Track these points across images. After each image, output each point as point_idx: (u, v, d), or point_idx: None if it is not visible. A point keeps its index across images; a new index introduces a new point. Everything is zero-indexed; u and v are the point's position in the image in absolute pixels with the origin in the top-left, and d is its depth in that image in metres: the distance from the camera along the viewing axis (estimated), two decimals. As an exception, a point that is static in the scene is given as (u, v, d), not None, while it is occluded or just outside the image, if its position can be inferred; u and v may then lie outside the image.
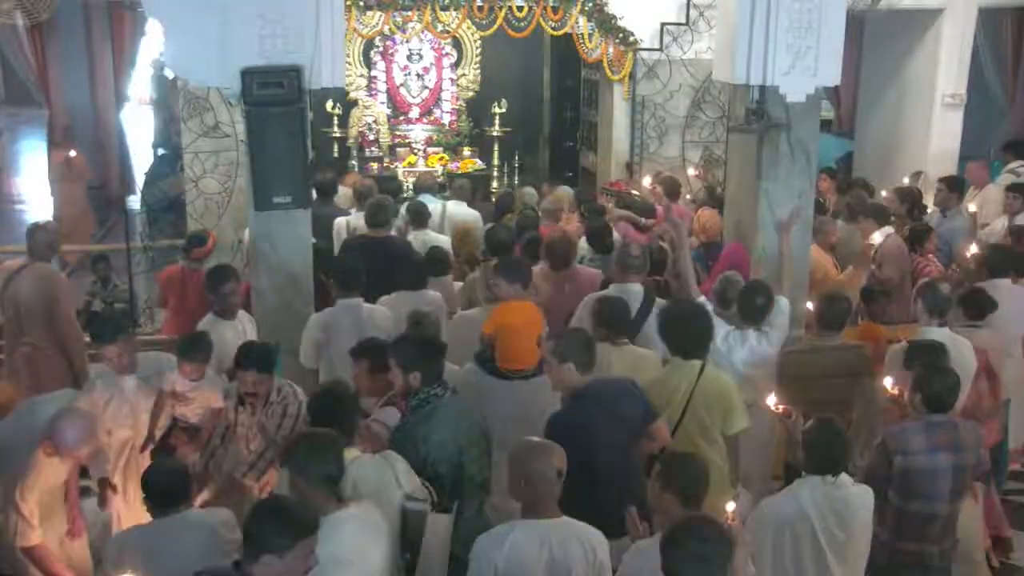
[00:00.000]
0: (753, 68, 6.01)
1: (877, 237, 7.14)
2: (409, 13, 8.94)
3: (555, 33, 9.50)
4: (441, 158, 11.41)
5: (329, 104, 10.83)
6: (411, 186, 10.09)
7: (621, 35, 9.23)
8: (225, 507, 3.97)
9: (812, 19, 5.96)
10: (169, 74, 9.34)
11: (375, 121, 11.71)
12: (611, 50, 9.36)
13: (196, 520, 3.70)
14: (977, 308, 5.58)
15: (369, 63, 11.83)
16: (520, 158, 11.70)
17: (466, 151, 11.75)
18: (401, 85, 11.99)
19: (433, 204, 7.69)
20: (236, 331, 5.46)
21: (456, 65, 12.02)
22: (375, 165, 11.17)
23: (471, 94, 12.10)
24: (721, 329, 5.07)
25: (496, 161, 11.50)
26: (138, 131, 12.14)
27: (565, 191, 8.62)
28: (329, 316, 5.41)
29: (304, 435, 3.65)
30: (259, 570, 2.88)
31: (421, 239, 6.92)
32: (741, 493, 4.46)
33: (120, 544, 3.75)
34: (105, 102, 10.94)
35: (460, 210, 7.83)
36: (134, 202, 10.56)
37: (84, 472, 4.66)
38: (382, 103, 11.92)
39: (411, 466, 3.90)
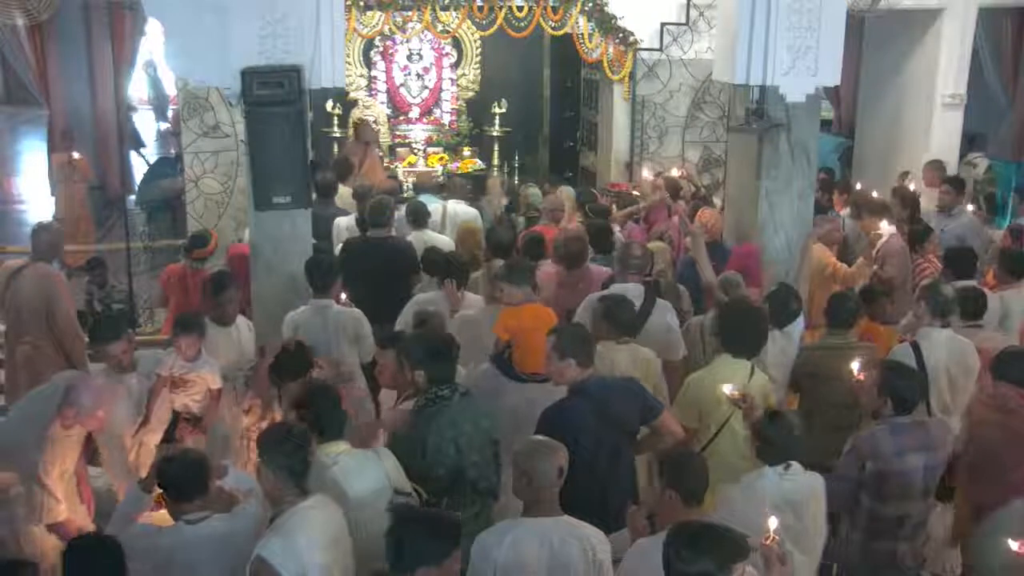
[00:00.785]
0: (753, 68, 6.02)
1: (885, 226, 7.15)
2: (409, 13, 8.95)
3: (555, 33, 9.51)
4: (441, 158, 11.41)
5: (329, 104, 10.82)
6: (411, 186, 10.09)
7: (621, 35, 9.24)
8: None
9: (812, 19, 5.96)
10: (164, 74, 9.40)
11: (375, 121, 11.71)
12: (611, 50, 9.36)
13: (207, 534, 3.54)
14: (975, 308, 5.58)
15: (369, 63, 11.83)
16: (520, 158, 11.70)
17: (466, 151, 11.75)
18: (401, 85, 11.99)
19: (433, 204, 7.69)
20: (231, 338, 5.43)
21: (456, 65, 12.02)
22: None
23: (471, 94, 12.10)
24: None
25: (496, 161, 11.49)
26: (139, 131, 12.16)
27: (567, 191, 8.62)
28: (300, 316, 5.39)
29: (278, 426, 3.72)
30: None
31: (421, 239, 6.91)
32: None
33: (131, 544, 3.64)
34: (105, 102, 10.93)
35: (460, 208, 7.83)
36: (133, 202, 10.58)
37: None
38: (382, 103, 11.92)
39: (409, 465, 3.90)
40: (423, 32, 10.04)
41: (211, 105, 8.61)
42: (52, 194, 10.41)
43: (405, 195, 9.54)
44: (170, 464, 3.62)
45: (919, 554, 4.38)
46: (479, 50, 11.86)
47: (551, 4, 9.04)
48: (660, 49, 9.33)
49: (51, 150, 10.59)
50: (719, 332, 4.76)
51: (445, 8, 9.00)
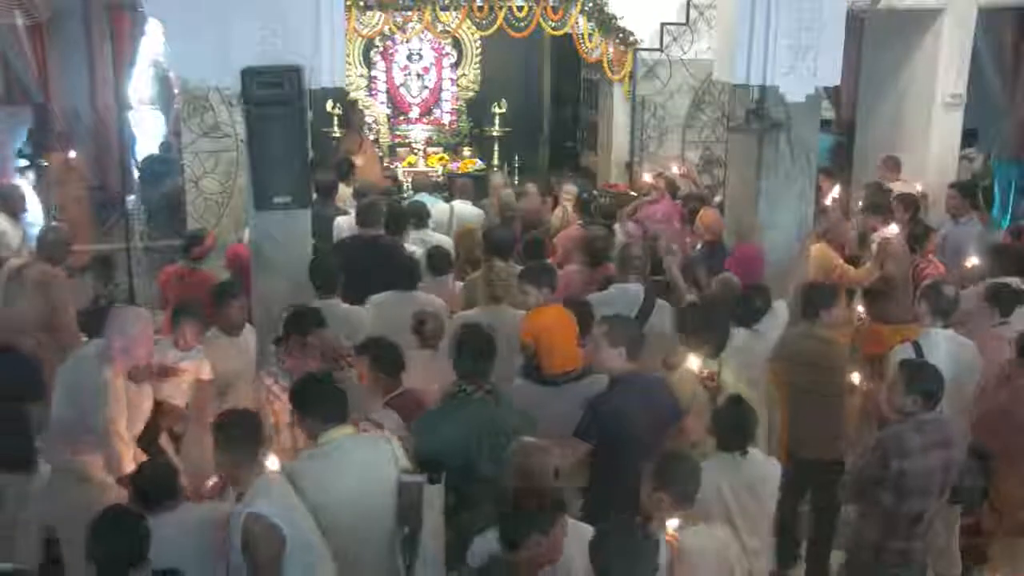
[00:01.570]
0: (753, 68, 6.01)
1: (895, 229, 7.17)
2: (409, 13, 8.95)
3: (555, 33, 9.51)
4: (441, 158, 11.41)
5: (329, 104, 10.82)
6: (409, 186, 10.09)
7: (621, 35, 9.24)
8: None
9: (812, 19, 5.96)
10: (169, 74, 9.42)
11: (375, 121, 11.71)
12: (611, 50, 9.36)
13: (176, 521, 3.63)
14: (1004, 305, 5.59)
15: (369, 63, 11.83)
16: (520, 158, 11.69)
17: (466, 151, 11.75)
18: (401, 85, 11.98)
19: (438, 204, 7.70)
20: (238, 348, 5.36)
21: (456, 65, 12.02)
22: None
23: (471, 94, 12.10)
24: None
25: (496, 161, 11.49)
26: (140, 131, 12.12)
27: (571, 188, 8.65)
28: None
29: (230, 412, 3.86)
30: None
31: (421, 239, 6.91)
32: None
33: None
34: (105, 102, 10.92)
35: (467, 209, 7.85)
36: (134, 202, 10.56)
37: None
38: (382, 103, 11.92)
39: (419, 451, 3.98)
40: (423, 32, 10.04)
41: (211, 105, 8.60)
42: (52, 194, 10.40)
43: (405, 195, 9.55)
44: (140, 474, 3.70)
45: (926, 550, 4.41)
46: (479, 50, 11.86)
47: (551, 4, 9.04)
48: (660, 49, 9.33)
49: (51, 150, 10.59)
50: (681, 331, 4.79)
51: (445, 8, 9.00)
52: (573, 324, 4.99)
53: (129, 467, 4.27)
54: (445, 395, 4.23)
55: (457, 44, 11.86)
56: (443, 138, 11.92)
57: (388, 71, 11.94)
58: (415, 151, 11.49)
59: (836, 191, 8.20)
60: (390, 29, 9.35)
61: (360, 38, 10.50)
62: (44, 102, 10.61)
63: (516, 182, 11.02)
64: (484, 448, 4.05)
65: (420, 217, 7.14)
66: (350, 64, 11.25)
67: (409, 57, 11.92)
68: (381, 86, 11.92)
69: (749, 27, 5.96)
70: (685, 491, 3.46)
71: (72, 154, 10.32)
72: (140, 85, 12.11)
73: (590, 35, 9.35)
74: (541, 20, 9.03)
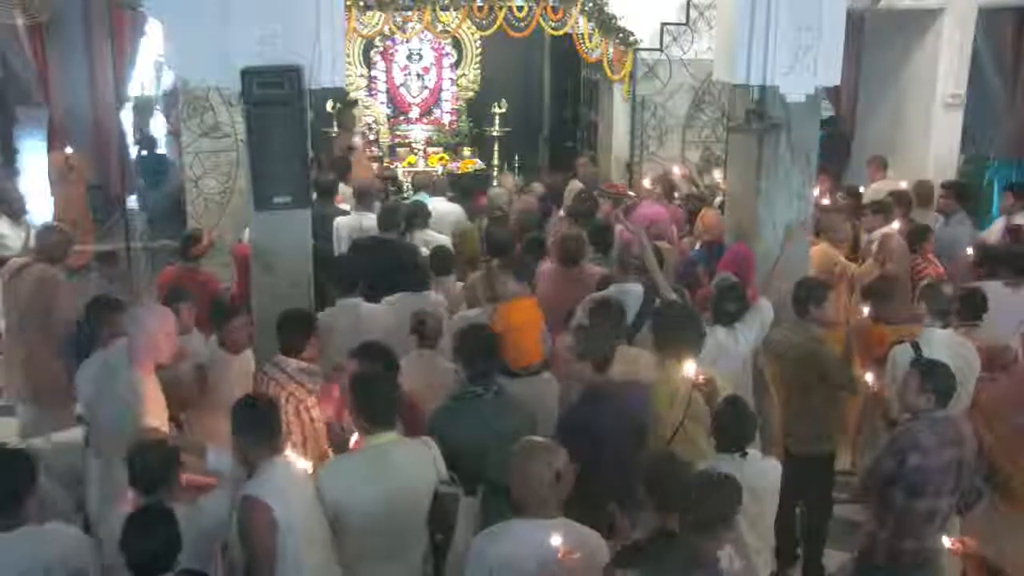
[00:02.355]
0: (753, 68, 6.01)
1: (896, 226, 7.17)
2: (409, 13, 8.94)
3: (555, 33, 9.50)
4: (441, 158, 11.40)
5: (329, 104, 10.83)
6: (410, 186, 10.09)
7: (621, 35, 9.23)
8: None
9: (812, 19, 5.96)
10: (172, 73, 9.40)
11: (375, 121, 11.70)
12: (611, 50, 9.36)
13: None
14: (973, 309, 5.59)
15: (369, 63, 11.83)
16: (520, 158, 11.69)
17: (466, 151, 11.74)
18: (401, 85, 11.98)
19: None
20: (240, 370, 5.06)
21: (456, 65, 12.02)
22: (375, 165, 11.16)
23: (471, 94, 12.09)
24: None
25: (496, 161, 11.49)
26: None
27: (575, 185, 8.66)
28: (328, 316, 5.41)
29: (245, 398, 3.89)
30: None
31: (422, 239, 6.92)
32: None
33: None
34: (105, 102, 10.93)
35: (440, 205, 7.85)
36: (134, 202, 10.56)
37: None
38: (382, 103, 11.92)
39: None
40: (423, 32, 10.03)
41: (211, 105, 8.61)
42: (52, 194, 10.41)
43: (404, 195, 9.55)
44: (136, 456, 3.63)
45: (938, 551, 4.39)
46: (479, 50, 11.86)
47: (551, 4, 9.03)
48: (660, 49, 9.32)
49: (51, 150, 10.60)
50: (655, 335, 4.73)
51: (445, 8, 9.00)
52: (539, 320, 5.08)
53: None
54: (452, 396, 4.25)
55: (457, 44, 11.86)
56: (443, 138, 11.91)
57: (388, 71, 11.94)
58: (415, 151, 11.49)
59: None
60: (390, 29, 9.34)
61: (360, 38, 10.50)
62: (44, 102, 10.61)
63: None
64: (496, 450, 4.03)
65: (421, 217, 7.15)
66: (350, 64, 11.25)
67: (409, 57, 11.92)
68: (381, 86, 11.92)
69: (749, 27, 5.96)
70: (671, 493, 3.42)
71: (69, 149, 10.33)
72: (140, 84, 12.10)
73: (590, 35, 9.35)
74: (541, 20, 9.02)
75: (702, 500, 3.24)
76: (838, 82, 6.39)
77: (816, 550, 5.41)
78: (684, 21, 9.25)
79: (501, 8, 8.92)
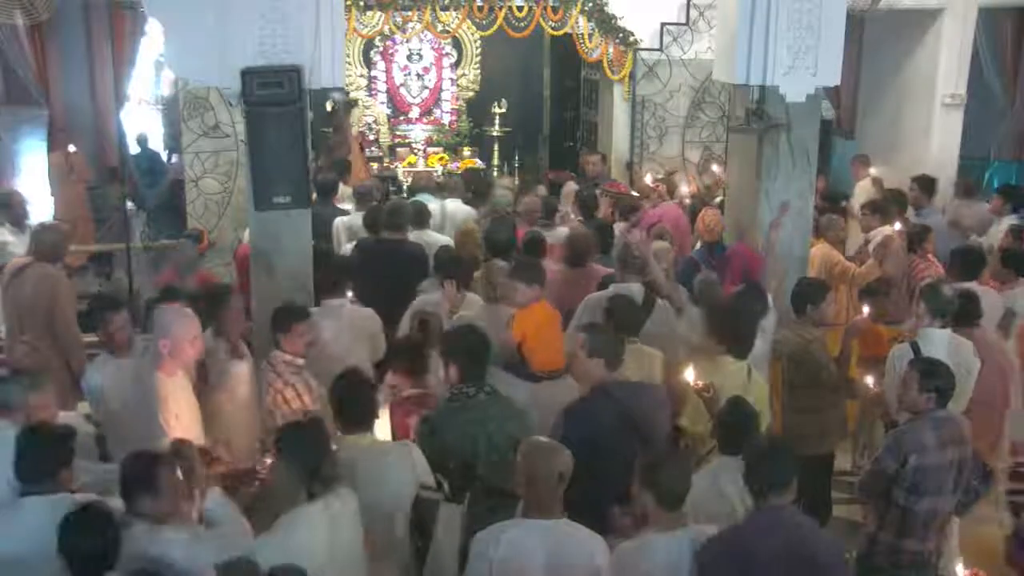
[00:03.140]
0: (753, 68, 6.01)
1: (899, 226, 7.17)
2: (409, 13, 8.94)
3: (555, 33, 9.51)
4: (441, 158, 11.41)
5: (329, 104, 10.82)
6: (408, 186, 10.08)
7: (621, 35, 9.23)
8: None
9: (812, 19, 5.96)
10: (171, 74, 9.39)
11: (375, 121, 11.70)
12: (611, 50, 9.36)
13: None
14: (967, 313, 5.58)
15: (369, 63, 11.83)
16: (520, 158, 11.69)
17: (466, 151, 11.74)
18: (401, 85, 11.99)
19: (432, 204, 7.68)
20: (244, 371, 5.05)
21: (456, 65, 12.02)
22: (375, 165, 11.17)
23: (471, 94, 12.10)
24: None
25: (496, 161, 11.49)
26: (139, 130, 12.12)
27: (572, 186, 8.65)
28: (314, 316, 5.34)
29: (296, 423, 3.78)
30: None
31: (423, 239, 6.91)
32: None
33: None
34: (105, 102, 10.92)
35: (458, 207, 7.84)
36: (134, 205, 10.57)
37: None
38: (382, 103, 11.91)
39: (424, 454, 3.99)
40: (423, 32, 10.03)
41: (211, 105, 8.61)
42: (52, 194, 10.40)
43: (404, 194, 9.54)
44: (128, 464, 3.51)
45: (939, 553, 4.41)
46: (479, 50, 11.86)
47: (551, 4, 9.03)
48: (660, 49, 9.32)
49: (51, 150, 10.59)
50: (713, 333, 4.76)
51: (445, 8, 9.00)
52: (557, 322, 5.05)
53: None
54: (448, 396, 4.23)
55: (457, 44, 11.87)
56: (443, 138, 11.92)
57: (388, 71, 11.95)
58: (415, 151, 11.49)
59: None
60: (390, 29, 9.34)
61: (360, 38, 10.51)
62: (44, 102, 10.60)
63: (516, 181, 11.04)
64: (491, 450, 4.05)
65: (421, 217, 7.14)
66: (350, 64, 11.25)
67: (409, 57, 11.93)
68: (381, 86, 11.93)
69: (749, 27, 5.96)
70: (670, 492, 3.43)
71: (72, 148, 10.32)
72: (140, 84, 12.10)
73: (590, 35, 9.35)
74: (541, 20, 9.03)
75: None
76: (838, 82, 6.39)
77: None
78: (684, 21, 9.25)
79: (501, 8, 8.92)
